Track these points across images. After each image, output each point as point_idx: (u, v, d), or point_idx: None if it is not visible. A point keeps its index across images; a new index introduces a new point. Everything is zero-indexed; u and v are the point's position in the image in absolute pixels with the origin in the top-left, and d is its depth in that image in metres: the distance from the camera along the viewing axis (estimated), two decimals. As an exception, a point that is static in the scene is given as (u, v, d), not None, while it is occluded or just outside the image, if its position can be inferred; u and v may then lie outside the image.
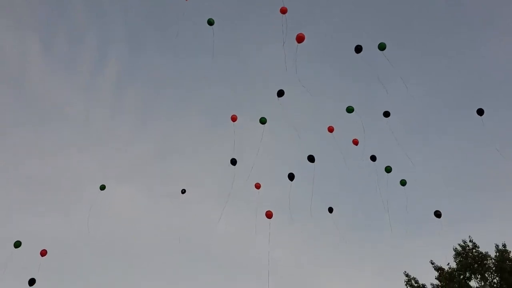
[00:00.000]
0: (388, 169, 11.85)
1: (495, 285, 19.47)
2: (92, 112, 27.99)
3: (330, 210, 11.91)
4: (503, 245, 20.24)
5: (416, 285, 20.87)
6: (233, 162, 11.46)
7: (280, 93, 11.27)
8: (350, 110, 11.92)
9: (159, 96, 29.61)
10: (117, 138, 26.36)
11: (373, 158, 12.07)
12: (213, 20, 11.32)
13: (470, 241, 21.02)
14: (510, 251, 19.96)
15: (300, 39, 10.29)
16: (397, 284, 21.19)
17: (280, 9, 10.67)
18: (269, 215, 10.71)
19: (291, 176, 11.32)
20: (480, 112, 11.44)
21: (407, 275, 21.35)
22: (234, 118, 11.80)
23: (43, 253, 11.00)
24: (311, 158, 11.52)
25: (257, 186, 11.47)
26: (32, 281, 10.58)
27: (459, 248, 21.00)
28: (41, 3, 25.23)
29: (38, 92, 27.86)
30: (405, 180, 11.73)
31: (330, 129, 12.09)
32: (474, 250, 20.66)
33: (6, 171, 26.29)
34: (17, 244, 10.71)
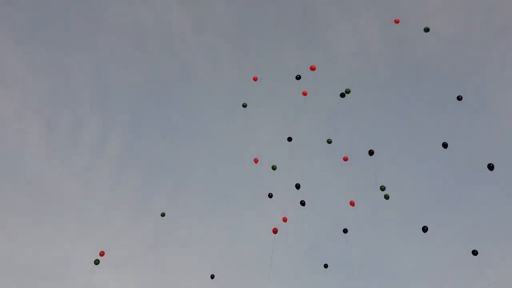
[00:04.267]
0: (382, 189, 12.81)
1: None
2: (89, 200, 27.02)
3: (371, 152, 12.76)
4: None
5: None
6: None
7: (298, 77, 12.83)
8: (329, 141, 13.14)
9: (157, 182, 28.83)
10: (112, 227, 25.34)
11: (370, 152, 12.72)
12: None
13: None
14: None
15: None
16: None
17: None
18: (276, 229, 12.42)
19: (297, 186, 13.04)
20: (444, 146, 12.25)
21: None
22: (255, 78, 12.48)
23: (102, 254, 12.21)
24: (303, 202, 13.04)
25: (284, 220, 12.67)
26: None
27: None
28: (46, 81, 25.61)
29: (36, 176, 27.26)
30: (388, 195, 12.53)
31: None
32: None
33: (2, 259, 24.85)
34: (96, 262, 11.99)
